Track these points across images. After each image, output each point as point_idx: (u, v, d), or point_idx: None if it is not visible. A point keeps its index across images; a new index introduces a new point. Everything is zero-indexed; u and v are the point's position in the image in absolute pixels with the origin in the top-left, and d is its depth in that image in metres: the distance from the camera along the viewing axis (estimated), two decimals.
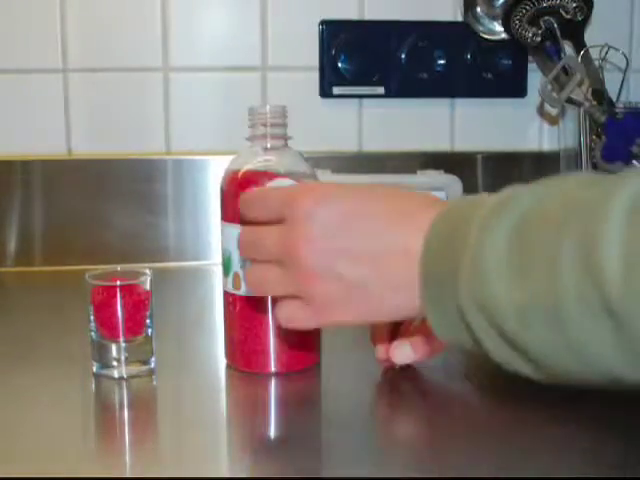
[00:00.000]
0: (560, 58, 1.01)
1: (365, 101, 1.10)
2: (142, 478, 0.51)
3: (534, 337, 0.42)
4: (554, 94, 0.99)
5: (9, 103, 1.04)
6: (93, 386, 0.66)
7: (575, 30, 1.03)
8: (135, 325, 0.65)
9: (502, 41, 1.07)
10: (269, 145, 0.65)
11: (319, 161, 1.04)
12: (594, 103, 1.00)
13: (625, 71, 1.05)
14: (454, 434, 0.58)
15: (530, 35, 1.02)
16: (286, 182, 0.62)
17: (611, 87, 1.02)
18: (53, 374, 0.67)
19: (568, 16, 1.01)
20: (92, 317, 0.65)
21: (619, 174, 0.41)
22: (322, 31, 1.07)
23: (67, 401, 0.63)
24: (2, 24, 1.02)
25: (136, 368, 0.66)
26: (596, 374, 0.42)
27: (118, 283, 0.65)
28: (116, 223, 1.04)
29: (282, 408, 0.63)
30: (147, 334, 0.66)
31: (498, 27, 1.07)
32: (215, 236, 1.03)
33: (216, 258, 1.02)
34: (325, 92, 1.08)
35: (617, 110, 1.00)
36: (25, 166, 1.02)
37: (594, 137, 1.00)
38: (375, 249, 0.50)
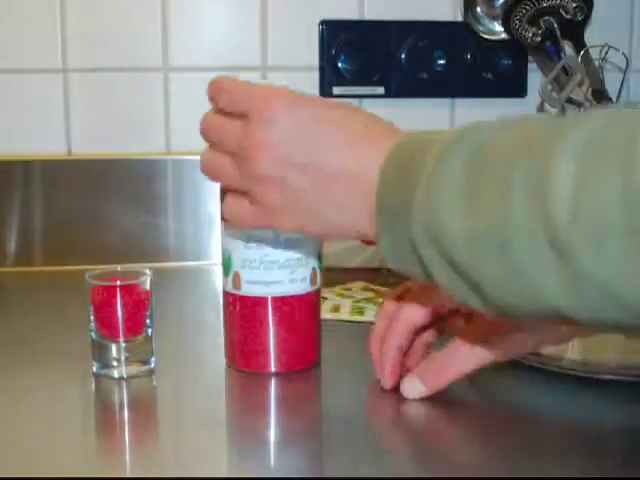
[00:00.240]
0: (560, 58, 1.01)
1: (365, 101, 1.10)
2: (142, 478, 0.51)
3: (483, 268, 0.42)
4: (554, 94, 0.99)
5: (9, 103, 1.04)
6: (93, 386, 0.66)
7: (575, 30, 1.03)
8: (135, 325, 0.65)
9: (502, 41, 1.07)
10: None
11: None
12: (594, 103, 1.00)
13: (625, 71, 1.05)
14: (454, 434, 0.58)
15: (530, 35, 1.02)
16: None
17: (611, 87, 1.02)
18: (53, 374, 0.67)
19: (568, 16, 1.01)
20: (92, 317, 0.65)
21: (579, 113, 0.42)
22: (322, 31, 1.07)
23: (67, 401, 0.63)
24: (2, 24, 1.02)
25: (136, 368, 0.66)
26: (543, 309, 0.42)
27: (118, 283, 0.65)
28: (116, 223, 1.04)
29: (282, 408, 0.63)
30: (147, 334, 0.66)
31: (498, 27, 1.07)
32: (215, 236, 1.03)
33: (216, 258, 1.02)
34: (325, 92, 1.08)
35: None
36: (25, 166, 1.02)
37: None
38: (326, 165, 0.50)
